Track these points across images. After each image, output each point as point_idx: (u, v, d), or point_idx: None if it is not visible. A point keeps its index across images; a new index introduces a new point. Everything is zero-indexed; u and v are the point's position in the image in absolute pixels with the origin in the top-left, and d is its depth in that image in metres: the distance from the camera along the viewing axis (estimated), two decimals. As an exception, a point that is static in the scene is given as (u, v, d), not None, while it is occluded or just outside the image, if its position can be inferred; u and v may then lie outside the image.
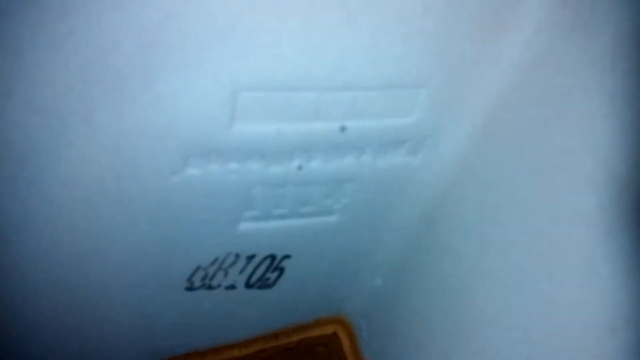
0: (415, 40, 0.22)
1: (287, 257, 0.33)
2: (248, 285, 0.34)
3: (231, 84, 0.22)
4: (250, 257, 0.32)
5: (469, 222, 0.27)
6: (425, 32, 0.22)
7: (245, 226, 0.30)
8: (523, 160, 0.23)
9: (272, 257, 0.33)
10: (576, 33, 0.21)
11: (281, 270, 0.34)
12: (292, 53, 0.21)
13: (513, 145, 0.24)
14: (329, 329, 0.41)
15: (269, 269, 0.34)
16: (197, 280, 0.32)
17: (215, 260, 0.32)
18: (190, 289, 0.33)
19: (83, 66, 0.20)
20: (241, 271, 0.33)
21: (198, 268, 0.32)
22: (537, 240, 0.23)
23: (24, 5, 0.18)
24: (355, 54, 0.22)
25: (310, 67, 0.22)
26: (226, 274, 0.33)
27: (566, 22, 0.21)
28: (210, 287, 0.33)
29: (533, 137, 0.23)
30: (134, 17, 0.19)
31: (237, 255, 0.32)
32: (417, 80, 0.24)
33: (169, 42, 0.20)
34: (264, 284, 0.35)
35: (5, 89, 0.20)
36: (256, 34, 0.20)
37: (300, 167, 0.27)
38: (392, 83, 0.24)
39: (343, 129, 0.25)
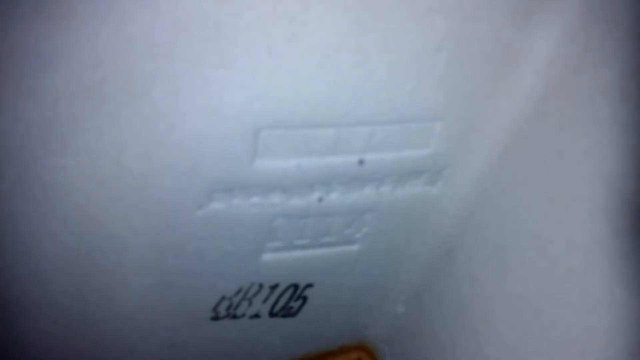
0: (428, 76, 0.23)
1: (309, 286, 0.34)
2: (272, 314, 0.35)
3: (252, 124, 0.23)
4: (274, 287, 0.33)
5: (488, 250, 0.28)
6: (438, 69, 0.23)
7: (268, 257, 0.31)
8: (539, 188, 0.24)
9: (295, 287, 0.34)
10: (587, 65, 0.22)
11: (304, 299, 0.35)
12: (310, 93, 0.23)
13: (529, 174, 0.25)
14: (352, 356, 0.41)
15: (292, 298, 0.35)
16: (222, 310, 0.33)
17: (239, 291, 0.32)
18: (215, 318, 0.34)
19: (113, 112, 0.21)
20: (265, 300, 0.34)
21: (223, 298, 0.33)
22: (554, 267, 0.24)
23: (57, 58, 0.19)
24: (370, 91, 0.23)
25: (327, 106, 0.23)
26: (250, 304, 0.34)
27: (577, 56, 0.22)
28: (234, 317, 0.34)
29: (548, 166, 0.24)
30: (163, 65, 0.20)
31: (261, 285, 0.33)
32: (432, 113, 0.25)
33: (194, 88, 0.21)
34: (287, 312, 0.36)
35: (41, 136, 0.21)
36: (275, 77, 0.22)
37: (320, 199, 0.28)
38: (407, 117, 0.25)
39: (361, 162, 0.26)
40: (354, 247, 0.32)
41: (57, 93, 0.20)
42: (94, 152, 0.22)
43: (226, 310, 0.34)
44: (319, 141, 0.25)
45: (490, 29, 0.22)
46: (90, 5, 0.19)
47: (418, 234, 0.32)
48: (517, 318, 0.25)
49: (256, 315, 0.35)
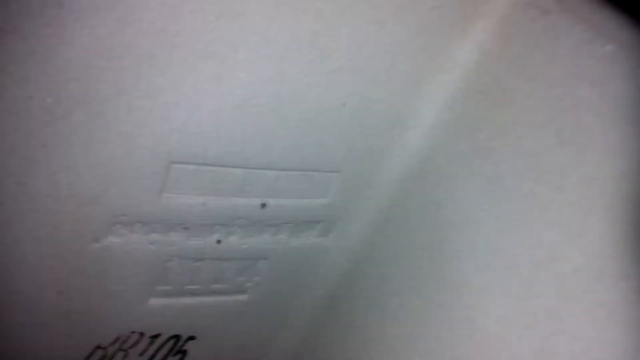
0: (332, 129, 0.27)
1: (191, 338, 0.34)
2: (148, 369, 0.35)
3: (166, 157, 0.25)
4: (154, 337, 0.33)
5: (369, 297, 0.31)
6: (340, 123, 0.27)
7: (155, 302, 0.31)
8: (417, 236, 0.28)
9: (177, 338, 0.34)
10: (462, 130, 0.27)
11: (183, 354, 0.35)
12: (226, 132, 0.25)
13: (410, 224, 0.29)
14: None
15: (170, 352, 0.34)
16: (93, 362, 0.32)
17: (116, 340, 0.32)
18: (85, 371, 0.32)
19: (30, 131, 0.22)
20: (142, 353, 0.33)
21: (97, 347, 0.32)
22: (428, 306, 0.27)
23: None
24: (281, 137, 0.26)
25: (240, 146, 0.26)
26: (125, 356, 0.33)
27: (455, 122, 0.27)
28: (107, 370, 0.33)
29: (426, 216, 0.28)
30: (89, 89, 0.21)
31: (142, 334, 0.32)
32: (332, 165, 0.28)
33: (117, 114, 0.22)
34: (163, 370, 0.35)
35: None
36: (196, 113, 0.24)
37: (219, 241, 0.29)
38: (309, 166, 0.28)
39: (264, 205, 0.29)
40: (243, 297, 0.33)
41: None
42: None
43: (98, 362, 0.33)
44: (227, 181, 0.27)
45: (388, 93, 0.26)
46: (29, 23, 0.20)
47: (306, 285, 0.34)
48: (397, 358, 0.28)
49: (131, 370, 0.34)
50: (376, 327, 0.30)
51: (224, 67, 0.23)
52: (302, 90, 0.25)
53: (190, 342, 0.34)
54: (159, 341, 0.33)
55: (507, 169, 0.24)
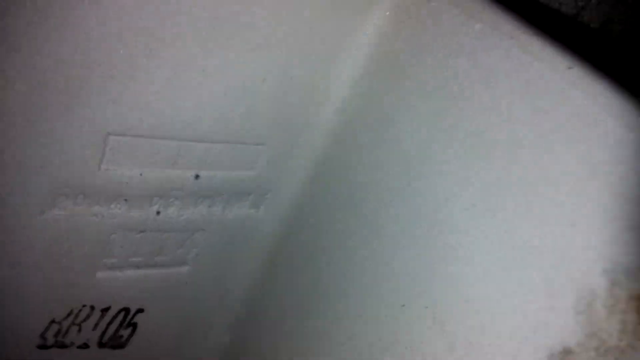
0: (254, 103, 0.30)
1: (140, 311, 0.37)
2: (101, 344, 0.37)
3: (104, 128, 0.28)
4: (105, 310, 0.35)
5: (303, 259, 0.34)
6: (262, 98, 0.30)
7: (102, 274, 0.33)
8: (340, 198, 0.31)
9: (126, 311, 0.36)
10: (370, 102, 0.30)
11: (134, 327, 0.37)
12: (158, 103, 0.28)
13: (331, 189, 0.32)
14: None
15: (122, 325, 0.37)
16: (50, 337, 0.35)
17: (70, 313, 0.34)
18: (43, 346, 0.34)
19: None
20: (94, 327, 0.36)
21: (52, 322, 0.34)
22: (353, 256, 0.30)
23: None
24: (209, 110, 0.29)
25: (172, 118, 0.28)
26: (80, 330, 0.35)
27: (363, 96, 0.30)
28: (63, 346, 0.35)
29: (344, 181, 0.31)
30: (29, 60, 0.24)
31: (92, 308, 0.35)
32: (257, 138, 0.31)
33: (57, 85, 0.25)
34: (117, 342, 0.38)
35: None
36: (130, 85, 0.27)
37: (158, 213, 0.32)
38: (237, 139, 0.31)
39: (197, 176, 0.31)
40: (184, 269, 0.36)
41: None
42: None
43: (54, 337, 0.35)
44: (162, 152, 0.30)
45: (303, 70, 0.29)
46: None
47: (244, 254, 0.37)
48: (332, 309, 0.31)
49: (85, 345, 0.36)
50: (311, 284, 0.33)
51: (154, 41, 0.26)
52: (225, 65, 0.28)
53: (140, 314, 0.37)
54: (109, 314, 0.36)
55: (406, 132, 0.28)
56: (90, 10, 0.24)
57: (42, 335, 0.34)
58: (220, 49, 0.27)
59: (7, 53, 0.24)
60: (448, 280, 0.26)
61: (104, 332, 0.37)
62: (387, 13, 0.28)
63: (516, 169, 0.23)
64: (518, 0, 0.35)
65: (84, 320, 0.35)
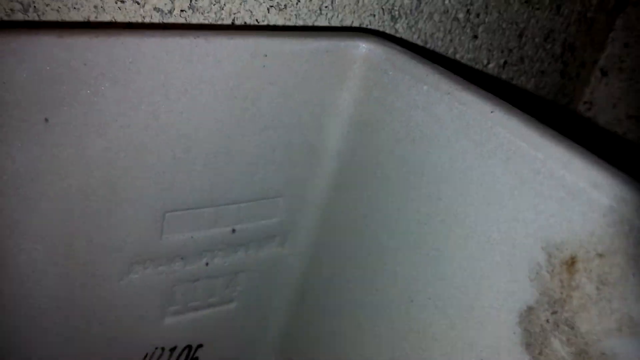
0: (269, 168, 0.39)
1: (200, 346, 0.45)
2: (171, 378, 0.45)
3: (162, 208, 0.36)
4: (172, 349, 0.43)
5: (328, 283, 0.42)
6: (274, 162, 0.38)
7: (169, 320, 0.42)
8: (349, 238, 0.40)
9: (189, 348, 0.44)
10: (357, 151, 0.39)
11: (196, 360, 0.46)
12: (199, 184, 0.36)
13: (342, 227, 0.40)
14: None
15: (187, 360, 0.45)
16: (132, 378, 0.43)
17: (145, 356, 0.42)
18: (126, 386, 0.42)
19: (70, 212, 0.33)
20: (166, 365, 0.44)
21: (133, 365, 0.42)
22: (367, 276, 0.39)
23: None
24: (235, 180, 0.38)
25: (209, 192, 0.37)
26: (154, 369, 0.43)
27: (351, 147, 0.39)
28: (142, 384, 0.43)
29: (351, 218, 0.40)
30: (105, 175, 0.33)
31: (163, 349, 0.43)
32: (276, 192, 0.40)
33: (128, 186, 0.33)
34: (184, 376, 0.46)
35: None
36: (177, 175, 0.35)
37: (207, 264, 0.40)
38: (260, 196, 0.40)
39: (234, 230, 0.40)
40: (233, 305, 0.44)
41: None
42: (53, 237, 0.33)
43: (135, 378, 0.43)
44: (205, 218, 0.38)
45: (303, 136, 0.38)
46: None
47: (278, 286, 0.45)
48: (356, 320, 0.40)
49: (159, 381, 0.44)
50: (336, 303, 0.41)
51: (190, 141, 0.35)
52: (244, 146, 0.36)
53: (200, 349, 0.45)
54: (176, 352, 0.44)
55: (389, 170, 0.37)
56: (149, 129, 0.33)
57: (127, 378, 0.42)
58: (237, 135, 0.36)
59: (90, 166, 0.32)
60: (441, 275, 0.34)
61: (173, 369, 0.45)
62: (358, 84, 0.37)
63: (473, 186, 0.32)
64: (451, 65, 0.45)
65: (158, 360, 0.43)
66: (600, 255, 0.26)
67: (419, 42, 0.49)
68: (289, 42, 0.34)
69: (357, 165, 0.39)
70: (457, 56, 0.53)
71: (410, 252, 0.36)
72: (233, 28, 0.37)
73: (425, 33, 0.48)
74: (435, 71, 0.34)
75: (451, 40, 0.51)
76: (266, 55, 0.34)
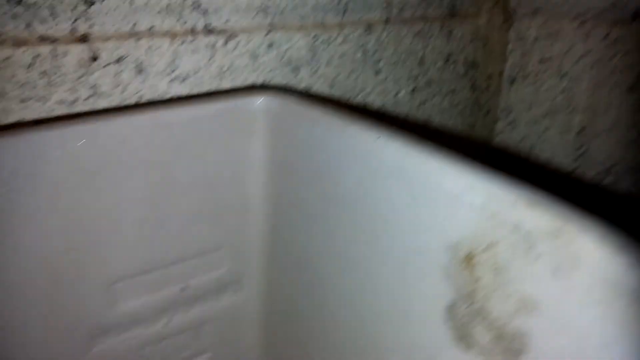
0: (204, 225, 0.40)
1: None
2: None
3: (107, 281, 0.37)
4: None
5: (291, 320, 0.43)
6: (205, 222, 0.40)
7: (146, 382, 0.42)
8: (300, 259, 0.41)
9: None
10: (282, 190, 0.41)
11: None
12: (140, 253, 0.37)
13: (289, 254, 0.42)
14: None
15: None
16: None
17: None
18: None
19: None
20: None
21: None
22: (332, 295, 0.40)
23: None
24: (177, 243, 0.39)
25: (152, 256, 0.38)
26: None
27: (274, 188, 0.41)
28: None
29: (296, 241, 0.41)
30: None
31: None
32: (216, 245, 0.41)
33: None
34: None
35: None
36: (111, 248, 0.36)
37: (168, 323, 0.41)
38: (202, 251, 0.40)
39: (184, 289, 0.41)
40: (207, 355, 0.44)
41: None
42: None
43: None
44: (152, 281, 0.39)
45: (229, 191, 0.40)
46: None
47: (245, 329, 0.45)
48: (333, 346, 0.41)
49: None
50: (312, 330, 0.42)
51: (115, 209, 0.36)
52: (169, 209, 0.38)
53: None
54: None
55: (311, 210, 0.39)
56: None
57: None
58: (162, 201, 0.37)
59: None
60: (377, 290, 0.35)
61: None
62: (266, 134, 0.40)
63: (382, 205, 0.34)
64: (357, 104, 0.48)
65: None
66: (487, 247, 0.28)
67: (325, 87, 0.52)
68: (188, 110, 0.36)
69: (285, 206, 0.41)
70: (368, 90, 0.56)
71: (349, 274, 0.37)
72: (139, 106, 0.39)
73: (329, 77, 0.51)
74: (326, 112, 0.36)
75: (356, 79, 0.54)
76: (169, 126, 0.36)
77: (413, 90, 0.58)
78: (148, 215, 0.36)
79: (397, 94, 0.57)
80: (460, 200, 0.27)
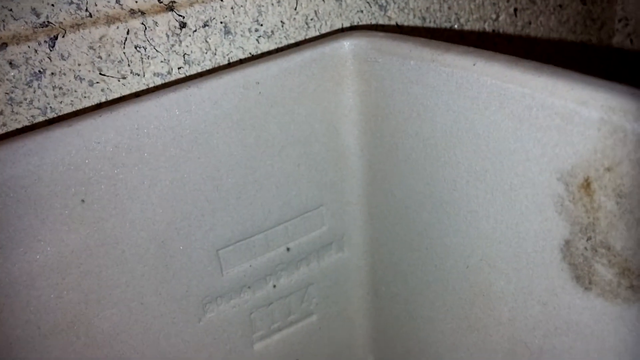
0: (300, 182, 0.40)
1: (297, 362, 0.46)
2: (279, 398, 0.47)
3: (212, 248, 0.38)
4: (271, 372, 0.45)
5: (395, 269, 0.43)
6: (303, 176, 0.40)
7: (257, 346, 0.43)
8: (400, 211, 0.40)
9: (287, 366, 0.46)
10: (374, 136, 0.39)
11: (297, 376, 0.47)
12: (242, 217, 0.38)
13: (391, 208, 0.41)
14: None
15: (288, 378, 0.46)
16: (243, 408, 0.45)
17: (248, 385, 0.44)
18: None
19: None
20: (269, 387, 0.46)
21: (238, 396, 0.44)
22: (432, 253, 0.39)
23: None
24: (272, 202, 0.39)
25: (252, 221, 0.39)
26: (259, 394, 0.45)
27: (365, 133, 0.40)
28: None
29: (396, 192, 0.40)
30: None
31: (261, 374, 0.45)
32: (316, 203, 0.41)
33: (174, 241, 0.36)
34: (290, 394, 0.47)
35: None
36: (215, 214, 0.37)
37: (274, 286, 0.42)
38: (303, 211, 0.41)
39: (288, 249, 0.41)
40: (314, 318, 0.45)
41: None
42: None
43: (246, 407, 0.45)
44: (256, 245, 0.40)
45: (320, 144, 0.39)
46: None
47: (350, 289, 0.46)
48: (431, 295, 0.40)
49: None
50: (409, 285, 0.42)
51: (220, 181, 0.37)
52: (268, 169, 0.38)
53: (298, 365, 0.46)
54: (275, 374, 0.46)
55: (408, 156, 0.37)
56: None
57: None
58: (259, 162, 0.37)
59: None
60: (483, 235, 0.34)
61: (275, 389, 0.46)
62: (356, 80, 0.38)
63: (481, 140, 0.31)
64: (455, 33, 0.45)
65: (258, 384, 0.45)
66: (609, 169, 0.25)
67: (417, 21, 0.49)
68: (275, 64, 0.36)
69: (382, 155, 0.39)
70: (462, 21, 0.52)
71: (451, 221, 0.36)
72: (228, 67, 0.39)
73: (420, 10, 0.48)
74: (417, 44, 0.34)
75: (449, 8, 0.50)
76: (258, 83, 0.35)
77: (515, 11, 0.53)
78: (246, 178, 0.36)
79: (497, 18, 0.52)
80: (574, 119, 0.25)
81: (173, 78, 0.38)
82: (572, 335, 0.30)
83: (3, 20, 0.32)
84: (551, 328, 0.31)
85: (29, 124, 0.34)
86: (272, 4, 0.40)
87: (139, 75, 0.37)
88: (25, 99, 0.34)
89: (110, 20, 0.35)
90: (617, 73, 0.67)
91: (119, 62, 0.36)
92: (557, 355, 0.31)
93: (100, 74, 0.36)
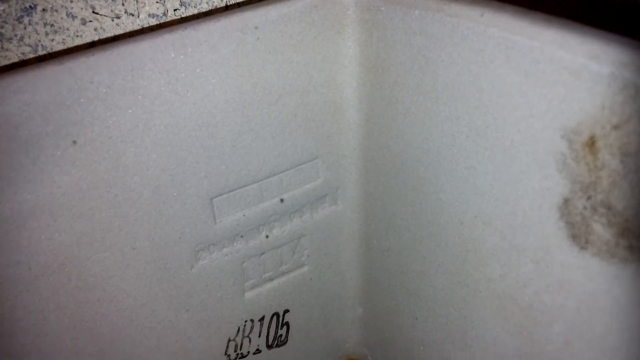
0: (296, 133, 0.38)
1: (287, 311, 0.46)
2: (269, 346, 0.46)
3: (206, 196, 0.37)
4: (261, 319, 0.45)
5: (386, 224, 0.42)
6: (300, 127, 0.38)
7: (249, 294, 0.43)
8: (396, 166, 0.39)
9: (277, 315, 0.46)
10: (373, 88, 0.38)
11: (287, 325, 0.47)
12: (236, 165, 0.37)
13: (387, 163, 0.40)
14: (345, 373, 0.52)
15: (278, 327, 0.46)
16: (232, 353, 0.44)
17: (239, 330, 0.44)
18: (229, 361, 0.44)
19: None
20: (259, 334, 0.45)
21: (229, 340, 0.44)
22: (425, 209, 0.38)
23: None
24: (268, 152, 0.38)
25: (247, 170, 0.38)
26: (250, 341, 0.45)
27: (365, 86, 0.38)
28: (243, 356, 0.45)
29: (393, 148, 0.39)
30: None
31: (252, 320, 0.44)
32: (311, 155, 0.40)
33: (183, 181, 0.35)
34: (280, 341, 0.47)
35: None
36: (215, 160, 0.36)
37: (267, 236, 0.41)
38: (298, 162, 0.40)
39: (282, 200, 0.40)
40: (305, 269, 0.45)
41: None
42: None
43: (235, 352, 0.45)
44: (251, 195, 0.39)
45: (318, 97, 0.38)
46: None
47: (343, 242, 0.45)
48: (423, 250, 0.39)
49: (258, 350, 0.46)
50: (402, 241, 0.41)
51: (214, 128, 0.35)
52: (264, 118, 0.37)
53: (287, 314, 0.46)
54: (265, 321, 0.45)
55: (408, 109, 0.35)
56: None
57: (226, 353, 0.44)
58: (256, 110, 0.36)
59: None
60: (479, 191, 0.33)
61: (267, 336, 0.46)
62: (357, 29, 0.36)
63: (484, 95, 0.30)
64: None
65: (250, 331, 0.45)
66: (616, 127, 0.23)
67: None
68: (274, 9, 0.34)
69: (379, 108, 0.38)
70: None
71: (448, 177, 0.35)
72: (226, 9, 0.37)
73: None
74: (422, -5, 0.32)
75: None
76: (257, 28, 0.33)
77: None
78: (242, 126, 0.35)
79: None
80: (583, 74, 0.23)
81: (168, 20, 0.36)
82: (564, 294, 0.29)
83: (-9, -50, 0.30)
84: (542, 285, 0.30)
85: (19, 60, 0.33)
86: (274, -54, 0.38)
87: (133, 15, 0.35)
88: (16, 35, 0.32)
89: (104, -45, 0.33)
90: (632, 27, 0.64)
91: (113, 0, 0.34)
92: (546, 312, 0.31)
93: (94, 12, 0.34)
